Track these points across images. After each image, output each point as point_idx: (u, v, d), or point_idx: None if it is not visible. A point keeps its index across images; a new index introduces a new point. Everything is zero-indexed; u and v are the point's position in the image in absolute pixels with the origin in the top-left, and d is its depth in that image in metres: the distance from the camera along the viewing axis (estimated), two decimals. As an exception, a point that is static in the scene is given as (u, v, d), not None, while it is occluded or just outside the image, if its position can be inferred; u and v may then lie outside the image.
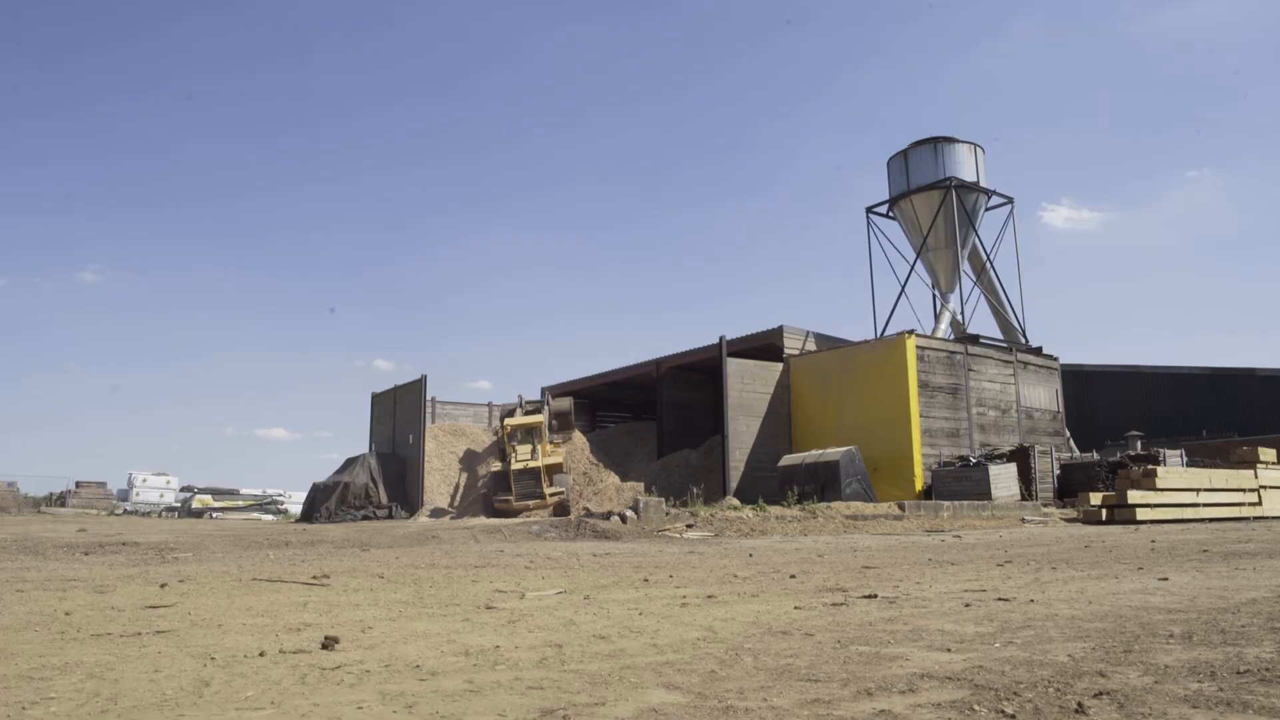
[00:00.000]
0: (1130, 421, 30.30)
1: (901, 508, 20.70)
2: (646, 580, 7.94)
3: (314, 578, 7.86)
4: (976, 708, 2.74)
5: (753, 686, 3.15)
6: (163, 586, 6.98)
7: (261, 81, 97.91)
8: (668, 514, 18.46)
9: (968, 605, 5.74)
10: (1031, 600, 5.93)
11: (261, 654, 3.88)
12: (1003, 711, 2.68)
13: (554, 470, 24.88)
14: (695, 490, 20.00)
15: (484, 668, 3.57)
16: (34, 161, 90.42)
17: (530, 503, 23.93)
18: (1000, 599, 6.07)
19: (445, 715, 2.76)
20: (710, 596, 6.52)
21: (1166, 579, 7.43)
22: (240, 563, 9.89)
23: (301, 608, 5.74)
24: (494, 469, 25.49)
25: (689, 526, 17.50)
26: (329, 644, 4.10)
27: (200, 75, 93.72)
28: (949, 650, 3.89)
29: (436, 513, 26.04)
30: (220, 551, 12.09)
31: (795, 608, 5.73)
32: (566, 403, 26.81)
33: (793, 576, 8.21)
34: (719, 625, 4.90)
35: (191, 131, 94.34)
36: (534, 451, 24.65)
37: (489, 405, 33.45)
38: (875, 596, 6.30)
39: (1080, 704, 2.73)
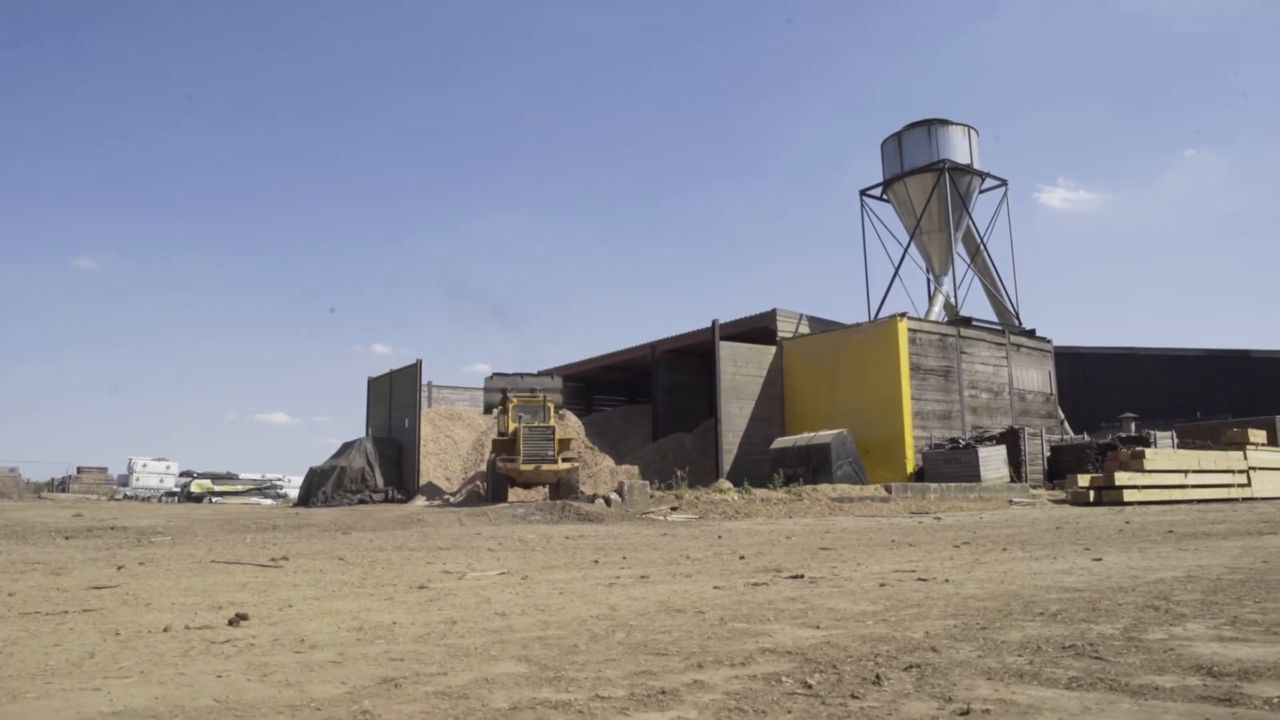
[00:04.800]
0: (1126, 403, 30.28)
1: (888, 490, 20.84)
2: (596, 562, 8.14)
3: (272, 560, 8.11)
4: (784, 679, 2.93)
5: (600, 659, 3.34)
6: (119, 569, 7.24)
7: (257, 69, 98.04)
8: (653, 497, 18.66)
9: (882, 585, 5.92)
10: (947, 581, 6.10)
11: (166, 629, 4.11)
12: (805, 682, 2.87)
13: (564, 445, 22.96)
14: (680, 473, 20.19)
15: (365, 642, 3.78)
16: (27, 148, 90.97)
17: (543, 466, 21.39)
18: (920, 579, 6.24)
19: (291, 683, 2.97)
20: (644, 577, 6.72)
21: (1101, 559, 7.59)
22: (213, 546, 10.16)
23: (240, 588, 5.98)
24: (496, 437, 23.84)
25: (674, 509, 17.69)
26: (236, 621, 4.32)
27: (196, 62, 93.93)
28: (818, 628, 4.08)
29: (434, 495, 26.33)
30: (203, 535, 12.39)
31: (714, 587, 5.93)
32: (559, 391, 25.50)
33: (742, 558, 8.40)
34: (626, 604, 5.09)
35: (185, 118, 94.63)
36: (544, 419, 22.90)
37: (485, 390, 33.55)
38: (801, 577, 6.49)
39: (879, 675, 2.92)
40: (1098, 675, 2.90)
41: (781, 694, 2.74)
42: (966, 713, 2.46)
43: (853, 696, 2.68)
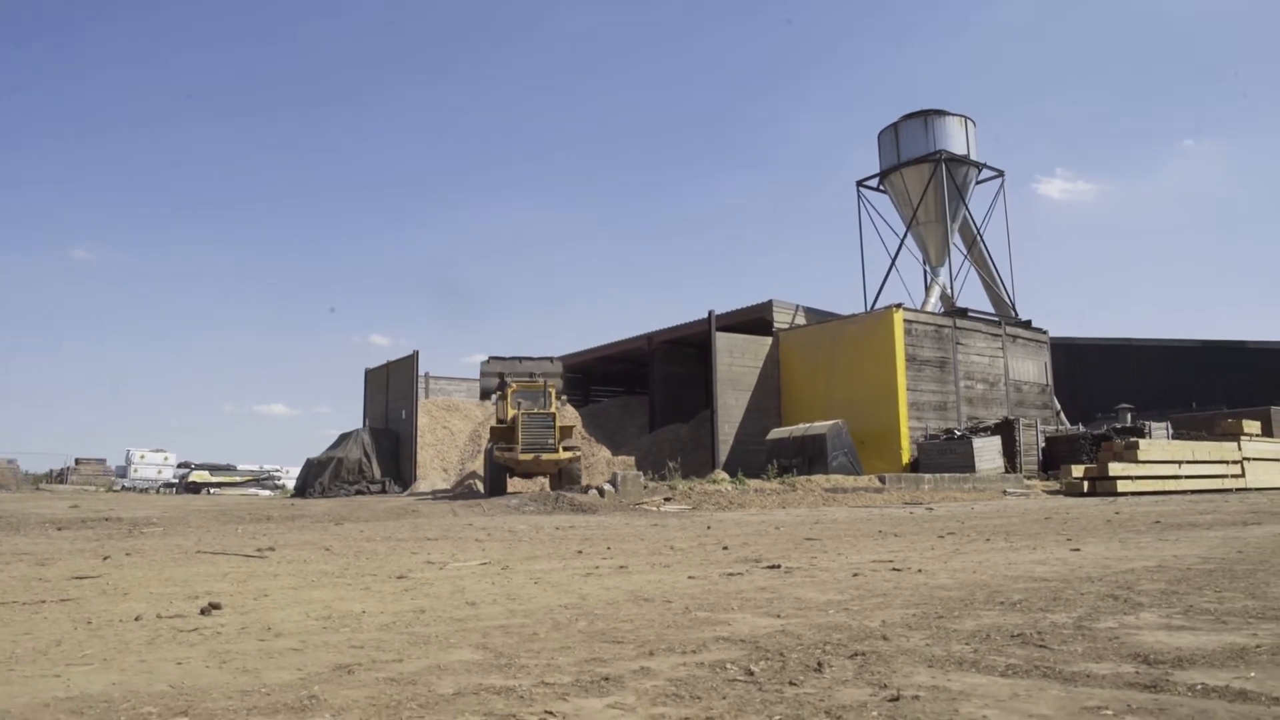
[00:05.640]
0: (1122, 394, 30.29)
1: (882, 481, 20.89)
2: (580, 553, 8.20)
3: (259, 550, 8.18)
4: (729, 666, 2.99)
5: (556, 647, 3.41)
6: (105, 559, 7.32)
7: (255, 60, 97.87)
8: (646, 488, 18.71)
9: (856, 575, 5.98)
10: (920, 571, 6.16)
11: (137, 619, 4.18)
12: (748, 670, 2.93)
13: (565, 433, 21.79)
14: (672, 465, 20.25)
15: (330, 630, 3.85)
16: (24, 140, 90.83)
17: (543, 455, 20.35)
18: (895, 569, 6.30)
19: (248, 670, 3.04)
20: (622, 567, 6.78)
21: (1079, 550, 7.65)
22: (202, 537, 10.24)
23: (221, 578, 6.05)
24: (494, 425, 22.87)
25: (667, 500, 17.74)
26: (208, 610, 4.39)
27: (194, 54, 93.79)
28: (779, 616, 4.14)
29: (430, 486, 26.41)
30: (195, 526, 12.48)
31: (689, 577, 5.99)
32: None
33: (725, 548, 8.46)
34: (597, 594, 5.16)
35: (183, 109, 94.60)
36: (545, 405, 21.92)
37: (481, 375, 33.47)
38: (778, 567, 6.55)
39: (822, 663, 2.98)
40: (1036, 663, 2.96)
41: (722, 681, 2.80)
42: (896, 699, 2.52)
43: (791, 683, 2.74)
